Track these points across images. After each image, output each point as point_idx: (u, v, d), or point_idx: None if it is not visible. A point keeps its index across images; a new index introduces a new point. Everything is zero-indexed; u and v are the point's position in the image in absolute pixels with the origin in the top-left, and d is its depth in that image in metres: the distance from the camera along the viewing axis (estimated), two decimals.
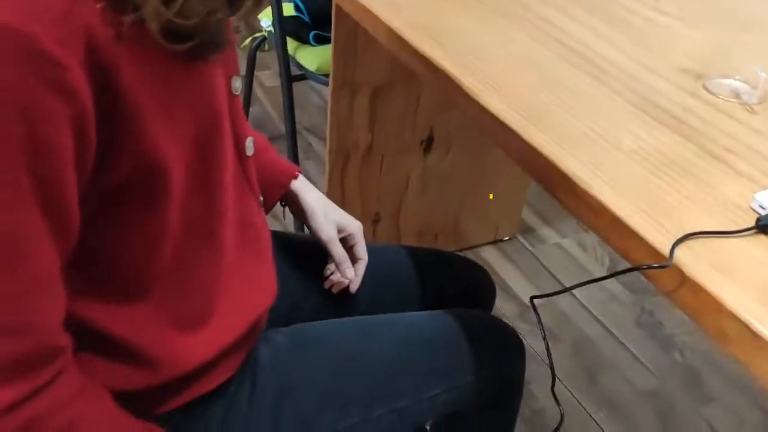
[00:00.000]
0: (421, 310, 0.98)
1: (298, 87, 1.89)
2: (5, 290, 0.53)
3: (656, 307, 1.80)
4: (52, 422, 0.58)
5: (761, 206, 0.69)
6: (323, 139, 2.32)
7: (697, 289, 0.63)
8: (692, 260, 0.64)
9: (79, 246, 0.60)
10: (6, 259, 0.53)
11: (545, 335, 0.79)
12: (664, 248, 0.65)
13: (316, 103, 2.56)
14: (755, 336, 0.58)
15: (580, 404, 1.54)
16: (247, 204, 0.78)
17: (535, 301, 0.77)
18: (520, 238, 2.00)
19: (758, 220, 0.67)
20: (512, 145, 0.80)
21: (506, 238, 1.98)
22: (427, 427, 1.00)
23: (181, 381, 0.72)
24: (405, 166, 1.68)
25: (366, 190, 1.65)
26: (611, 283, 1.87)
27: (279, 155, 0.96)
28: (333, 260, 0.95)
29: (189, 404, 0.74)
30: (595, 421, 1.51)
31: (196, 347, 0.71)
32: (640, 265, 0.66)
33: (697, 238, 0.66)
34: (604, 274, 1.90)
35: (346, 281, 0.95)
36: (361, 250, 0.96)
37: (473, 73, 0.91)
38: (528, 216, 2.07)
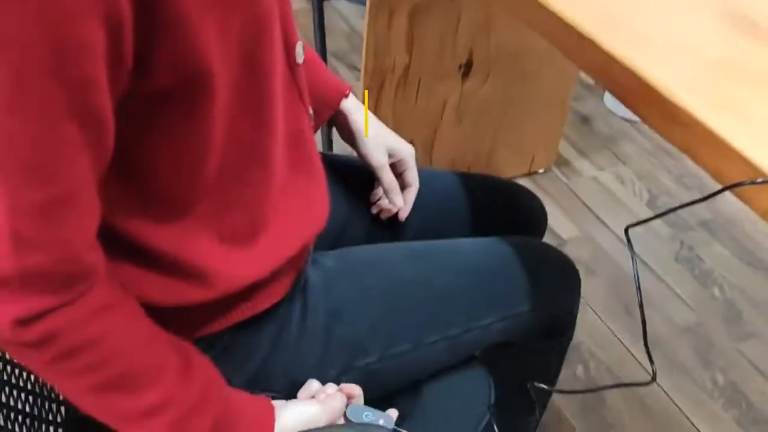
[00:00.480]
0: (472, 237, 0.93)
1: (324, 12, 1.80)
2: (35, 203, 0.50)
3: (696, 242, 1.75)
4: (71, 337, 0.55)
5: None
6: (350, 66, 2.24)
7: None
8: None
9: (120, 159, 0.56)
10: (36, 170, 0.49)
11: (636, 263, 0.74)
12: (764, 165, 0.59)
13: (342, 28, 2.47)
14: None
15: (616, 336, 1.52)
16: (298, 117, 0.73)
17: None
18: (555, 170, 1.94)
19: None
20: (586, 56, 0.74)
21: (541, 170, 1.92)
22: (477, 354, 0.97)
23: (232, 300, 0.68)
24: (442, 93, 1.61)
25: (400, 117, 1.59)
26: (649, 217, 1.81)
27: (328, 69, 0.90)
28: (382, 187, 0.90)
29: (238, 325, 0.71)
30: (633, 355, 1.48)
31: (247, 265, 0.68)
32: (741, 182, 0.60)
33: None
34: (644, 208, 1.85)
35: (395, 209, 0.91)
36: (412, 177, 0.91)
37: None
38: (564, 149, 2.00)
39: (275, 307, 0.73)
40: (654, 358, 1.48)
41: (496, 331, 0.84)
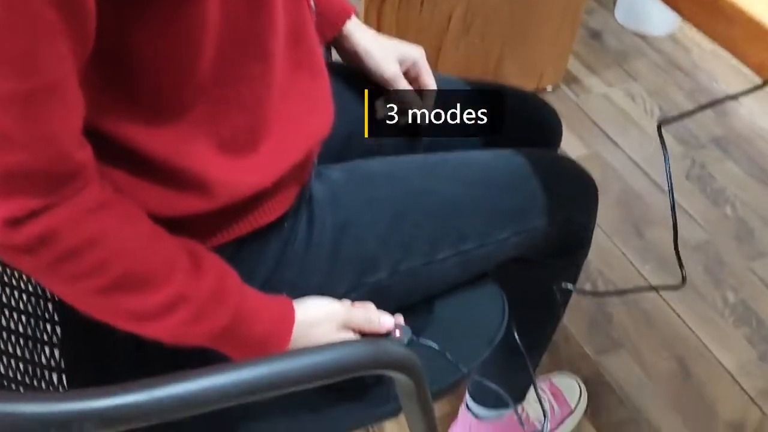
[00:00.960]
0: (484, 149, 0.88)
1: None
2: (16, 95, 0.46)
3: (708, 159, 1.70)
4: (67, 238, 0.52)
5: None
6: None
7: None
8: None
9: (107, 55, 0.51)
10: (14, 59, 0.45)
11: (668, 165, 0.70)
12: None
13: None
14: None
15: (625, 256, 1.49)
16: (299, 8, 0.66)
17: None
18: (564, 88, 1.87)
19: None
20: None
21: (549, 88, 1.85)
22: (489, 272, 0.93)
23: (232, 211, 0.64)
24: (448, 3, 1.52)
25: (404, 28, 1.51)
26: None
27: None
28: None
29: (241, 239, 0.66)
30: (641, 274, 1.46)
31: (248, 173, 0.63)
32: None
33: None
34: (654, 124, 1.79)
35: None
36: (428, 79, 0.85)
37: None
38: (573, 65, 1.92)
39: (280, 220, 0.69)
40: (663, 276, 1.46)
41: (510, 245, 0.80)
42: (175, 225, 0.60)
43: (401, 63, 0.84)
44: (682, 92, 1.88)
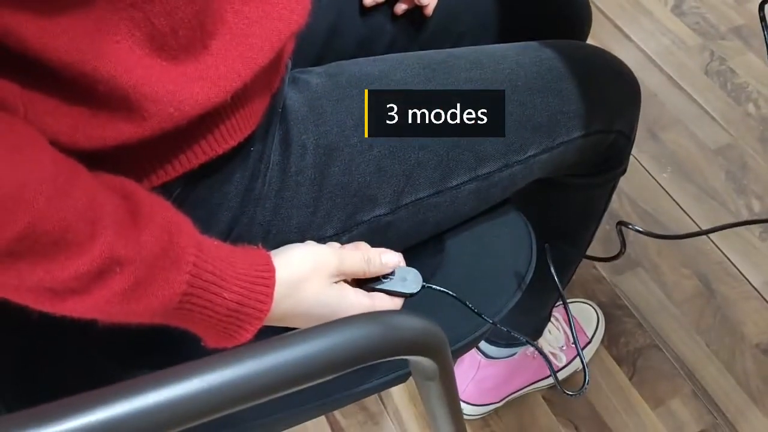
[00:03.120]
0: (502, 41, 0.70)
1: None
2: None
3: (728, 52, 1.52)
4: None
5: None
6: None
7: None
8: None
9: None
10: None
11: None
12: None
13: None
14: None
15: (640, 163, 1.33)
16: None
17: None
18: None
19: None
20: None
21: None
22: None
23: (177, 136, 0.46)
24: None
25: None
26: (675, 24, 1.57)
27: None
28: None
29: (192, 174, 0.49)
30: (658, 182, 1.31)
31: (193, 83, 0.45)
32: None
33: None
34: (669, 14, 1.60)
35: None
36: None
37: None
38: None
39: (244, 145, 0.51)
40: (682, 182, 1.31)
41: (538, 164, 0.64)
42: (97, 160, 0.43)
43: None
44: None
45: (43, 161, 0.39)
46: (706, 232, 0.76)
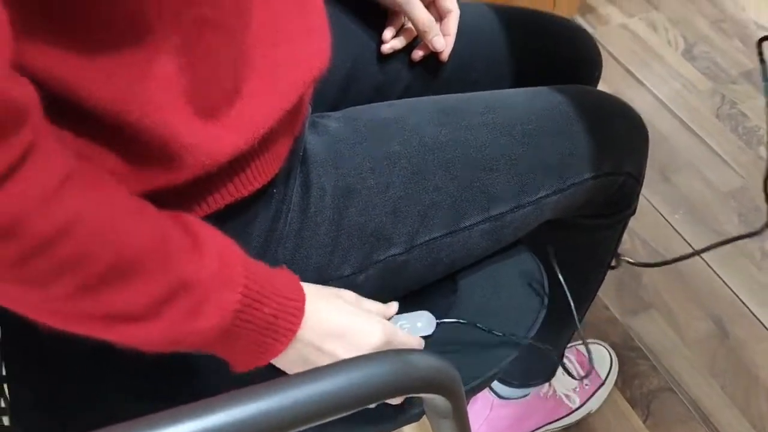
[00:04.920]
0: (514, 86, 0.73)
1: None
2: None
3: (739, 96, 1.54)
4: (41, 222, 0.37)
5: None
6: None
7: None
8: None
9: None
10: None
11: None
12: None
13: None
14: None
15: (652, 205, 1.35)
16: None
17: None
18: (579, 18, 1.69)
19: None
20: None
21: None
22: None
23: (209, 180, 0.49)
24: None
25: None
26: (686, 68, 1.60)
27: None
28: (415, 28, 0.69)
29: (223, 212, 0.51)
30: (670, 224, 1.32)
31: (227, 132, 0.47)
32: None
33: None
34: (680, 58, 1.62)
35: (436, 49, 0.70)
36: (448, 1, 0.69)
37: None
38: None
39: (267, 188, 0.54)
40: (694, 225, 1.32)
41: (549, 206, 0.65)
42: None
43: None
44: (706, 21, 1.71)
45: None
46: (699, 252, 0.78)
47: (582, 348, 1.09)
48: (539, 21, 0.78)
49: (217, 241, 0.46)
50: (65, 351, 0.45)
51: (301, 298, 0.49)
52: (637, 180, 0.73)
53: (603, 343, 1.11)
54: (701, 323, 1.19)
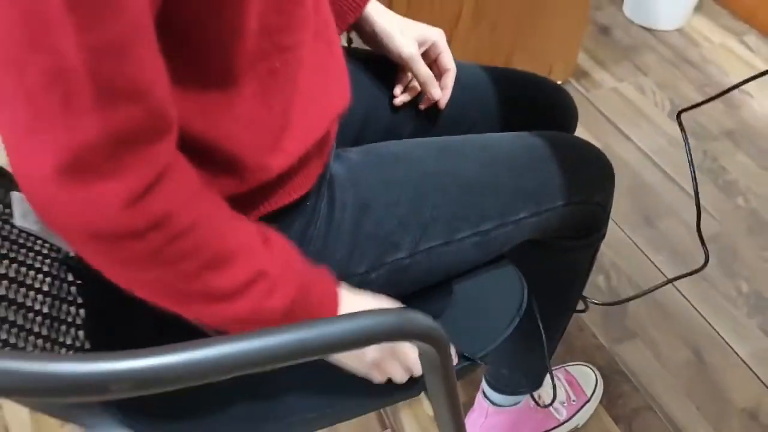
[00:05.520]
0: (503, 131, 0.89)
1: None
2: (107, 42, 0.44)
3: (719, 152, 1.70)
4: (178, 220, 0.51)
5: None
6: None
7: None
8: None
9: (169, 19, 0.51)
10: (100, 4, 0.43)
11: (689, 149, 0.70)
12: None
13: None
14: None
15: (638, 247, 1.49)
16: None
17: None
18: (573, 82, 1.87)
19: None
20: None
21: (559, 82, 1.85)
22: (506, 254, 0.94)
23: (262, 190, 0.65)
24: None
25: (415, 18, 1.51)
26: (671, 128, 1.76)
27: None
28: (417, 80, 0.85)
29: (269, 216, 0.67)
30: (654, 264, 1.46)
31: (275, 153, 0.63)
32: None
33: None
34: (666, 119, 1.79)
35: (433, 99, 0.87)
36: (447, 60, 0.86)
37: None
38: (583, 60, 1.93)
39: (302, 200, 0.69)
40: (677, 266, 1.46)
41: (528, 226, 0.80)
42: None
43: (420, 44, 0.85)
44: (692, 85, 1.89)
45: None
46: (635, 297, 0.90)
47: (570, 368, 1.22)
48: (523, 78, 0.95)
49: (280, 241, 0.61)
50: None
51: (336, 289, 0.64)
52: (604, 209, 0.87)
53: (589, 365, 1.24)
54: (680, 351, 1.31)
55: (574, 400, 1.16)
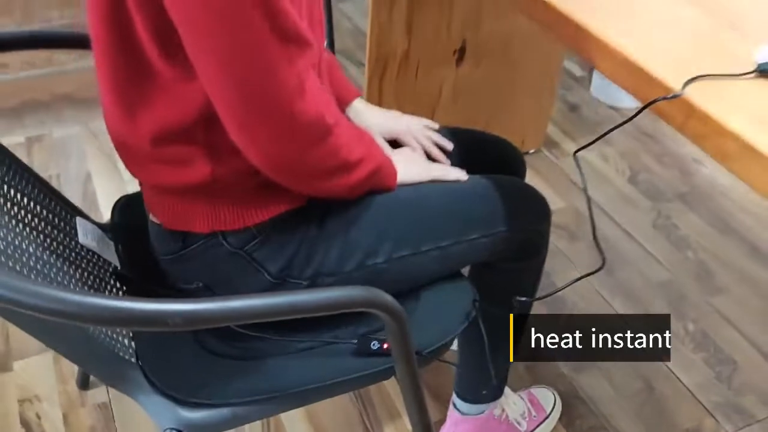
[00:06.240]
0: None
1: None
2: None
3: (672, 212, 1.92)
4: (329, 118, 0.81)
5: (762, 57, 0.80)
6: (356, 62, 2.43)
7: (704, 117, 0.74)
8: (701, 95, 0.76)
9: None
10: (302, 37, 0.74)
11: (586, 186, 0.92)
12: (676, 85, 0.77)
13: (346, 27, 2.66)
14: (753, 150, 0.70)
15: (598, 292, 1.68)
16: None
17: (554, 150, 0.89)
18: (544, 150, 2.11)
19: (759, 65, 0.79)
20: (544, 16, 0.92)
21: (532, 150, 2.10)
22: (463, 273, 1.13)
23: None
24: (439, 76, 1.79)
25: (402, 97, 1.77)
26: (630, 190, 1.99)
27: (343, 74, 1.09)
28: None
29: (277, 218, 0.88)
30: (613, 307, 1.65)
31: None
32: (658, 98, 0.77)
33: (706, 79, 0.78)
34: (626, 183, 2.02)
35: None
36: (419, 137, 1.10)
37: None
38: (554, 132, 2.18)
39: (311, 206, 0.91)
40: (631, 309, 1.64)
41: (480, 246, 1.01)
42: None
43: (392, 136, 1.10)
44: (650, 155, 2.13)
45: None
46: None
47: (533, 390, 1.39)
48: (480, 135, 1.18)
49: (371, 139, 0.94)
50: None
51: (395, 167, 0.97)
52: (542, 236, 1.08)
53: (549, 387, 1.41)
54: (633, 380, 1.49)
55: (534, 416, 1.33)
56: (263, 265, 0.88)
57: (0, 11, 1.84)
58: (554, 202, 1.92)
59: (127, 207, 1.08)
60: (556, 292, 1.08)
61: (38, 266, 0.82)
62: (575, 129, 2.21)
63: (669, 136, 2.19)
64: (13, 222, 0.84)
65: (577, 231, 1.84)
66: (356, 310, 0.76)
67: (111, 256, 0.98)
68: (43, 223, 0.92)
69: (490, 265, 1.07)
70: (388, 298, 0.74)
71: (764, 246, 1.83)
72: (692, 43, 0.87)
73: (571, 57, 2.47)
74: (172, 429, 0.83)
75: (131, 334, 0.90)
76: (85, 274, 0.92)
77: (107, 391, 1.40)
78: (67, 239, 0.95)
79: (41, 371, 1.43)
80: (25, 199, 0.91)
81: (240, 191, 0.85)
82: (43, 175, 1.01)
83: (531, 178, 2.00)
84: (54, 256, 0.87)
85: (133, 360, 0.87)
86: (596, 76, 2.37)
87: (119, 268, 0.98)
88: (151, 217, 0.91)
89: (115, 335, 0.87)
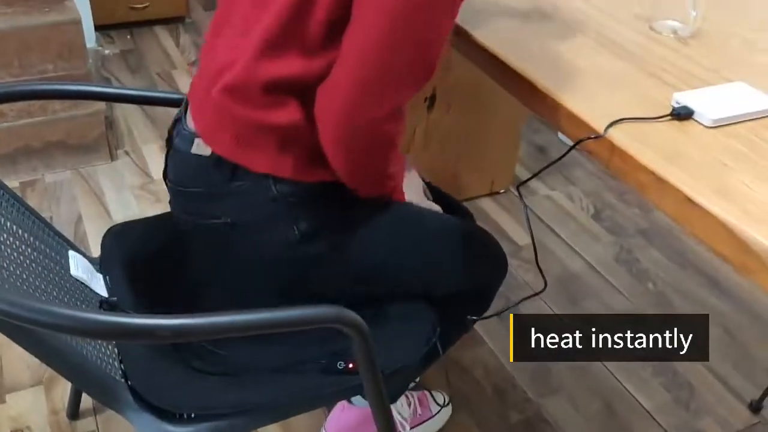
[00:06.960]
0: None
1: None
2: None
3: (634, 247, 2.03)
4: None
5: (677, 102, 0.92)
6: None
7: (624, 155, 0.86)
8: (622, 136, 0.87)
9: None
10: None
11: (527, 215, 1.02)
12: (601, 127, 0.88)
13: None
14: (664, 182, 0.81)
15: (564, 322, 1.77)
16: None
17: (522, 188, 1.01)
18: (513, 190, 2.23)
19: (673, 109, 0.91)
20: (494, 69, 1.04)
21: (501, 190, 2.21)
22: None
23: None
24: (411, 121, 1.91)
25: None
26: (594, 227, 2.10)
27: None
28: None
29: (329, 184, 0.97)
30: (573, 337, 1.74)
31: None
32: (584, 137, 0.89)
33: (627, 122, 0.89)
34: (590, 219, 2.14)
35: None
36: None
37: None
38: (521, 172, 2.30)
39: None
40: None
41: (448, 282, 1.10)
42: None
43: None
44: (613, 193, 2.25)
45: None
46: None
47: (428, 392, 1.47)
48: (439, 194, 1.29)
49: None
50: None
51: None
52: (499, 282, 1.18)
53: (443, 393, 1.49)
54: (594, 403, 1.58)
55: (419, 414, 1.40)
56: (296, 221, 0.94)
57: None
58: (522, 237, 2.03)
59: (121, 235, 1.17)
60: (499, 313, 1.17)
61: (36, 293, 0.91)
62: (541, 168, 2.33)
63: None
64: (8, 250, 0.94)
65: (545, 265, 1.93)
66: (330, 328, 0.85)
67: (99, 287, 1.07)
68: (39, 255, 1.01)
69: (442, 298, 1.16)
70: (353, 315, 0.84)
71: (720, 277, 1.94)
72: (618, 89, 0.99)
73: None
74: None
75: (120, 356, 0.99)
76: (78, 302, 1.01)
77: (95, 420, 1.47)
78: (63, 271, 1.04)
79: (33, 403, 1.50)
80: (20, 230, 1.00)
81: (311, 147, 0.91)
82: None
83: (500, 216, 2.13)
84: (45, 282, 0.96)
85: (123, 380, 0.95)
86: None
87: (107, 297, 1.07)
88: (200, 150, 0.94)
89: (104, 356, 0.96)
